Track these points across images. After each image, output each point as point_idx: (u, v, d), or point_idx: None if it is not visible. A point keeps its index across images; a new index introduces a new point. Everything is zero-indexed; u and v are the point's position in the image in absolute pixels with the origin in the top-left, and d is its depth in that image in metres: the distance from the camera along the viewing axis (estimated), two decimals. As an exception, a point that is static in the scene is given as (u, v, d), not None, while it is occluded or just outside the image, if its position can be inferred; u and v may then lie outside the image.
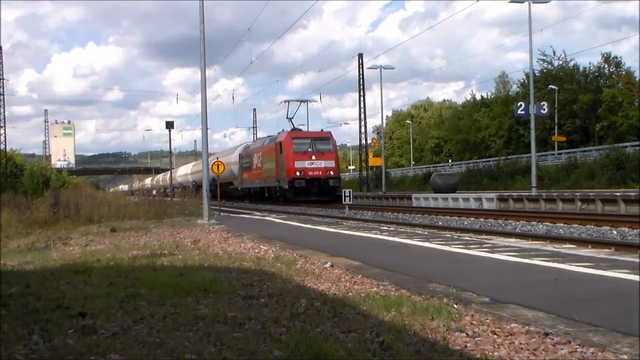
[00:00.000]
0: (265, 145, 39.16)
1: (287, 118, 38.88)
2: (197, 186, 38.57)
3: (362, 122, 46.56)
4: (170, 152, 57.39)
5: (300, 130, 37.24)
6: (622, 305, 5.06)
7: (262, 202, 37.63)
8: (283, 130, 37.62)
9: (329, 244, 10.62)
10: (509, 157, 43.12)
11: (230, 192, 48.27)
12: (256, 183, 40.22)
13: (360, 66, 45.39)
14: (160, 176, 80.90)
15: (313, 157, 33.54)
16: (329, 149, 34.59)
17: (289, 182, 33.09)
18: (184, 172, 66.27)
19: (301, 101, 40.45)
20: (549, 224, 15.66)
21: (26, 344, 4.08)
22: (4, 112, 54.12)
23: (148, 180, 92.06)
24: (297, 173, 33.10)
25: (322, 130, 37.95)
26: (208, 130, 21.02)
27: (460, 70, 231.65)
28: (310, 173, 33.27)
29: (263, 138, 43.65)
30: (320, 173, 33.46)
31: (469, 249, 9.21)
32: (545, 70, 49.90)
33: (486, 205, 24.28)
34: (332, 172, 33.83)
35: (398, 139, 79.09)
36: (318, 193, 33.07)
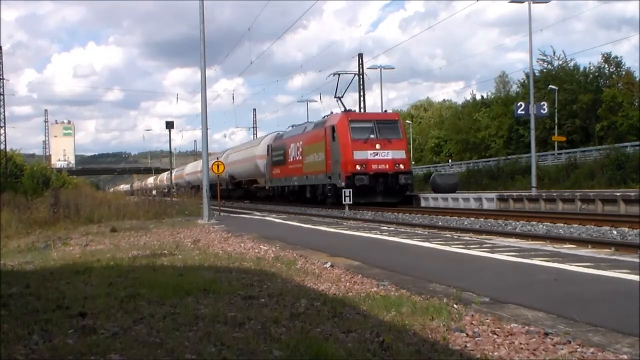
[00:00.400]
0: (307, 132, 31.04)
1: (335, 97, 30.73)
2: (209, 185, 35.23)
3: (362, 122, 46.39)
4: (170, 152, 57.66)
5: (355, 111, 29.49)
6: (622, 305, 5.06)
7: (302, 205, 30.69)
8: (332, 113, 29.91)
9: (329, 244, 10.61)
10: (509, 157, 43.10)
11: (254, 191, 41.49)
12: (294, 180, 32.45)
13: (360, 66, 45.45)
14: (165, 175, 78.05)
15: (377, 146, 26.15)
16: (397, 135, 27.05)
17: (347, 179, 25.72)
18: (192, 170, 59.94)
19: (355, 74, 32.52)
20: (549, 224, 15.64)
21: (26, 344, 4.08)
22: (4, 112, 54.30)
23: (151, 180, 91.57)
24: (358, 167, 25.82)
25: (385, 111, 30.82)
26: (208, 130, 21.09)
27: (460, 70, 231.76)
28: (375, 167, 25.99)
29: (303, 124, 34.27)
30: (388, 167, 26.13)
31: (469, 249, 9.20)
32: (545, 70, 49.92)
33: (486, 205, 24.28)
34: (402, 166, 26.50)
35: (398, 139, 78.90)
36: (384, 193, 26.07)
